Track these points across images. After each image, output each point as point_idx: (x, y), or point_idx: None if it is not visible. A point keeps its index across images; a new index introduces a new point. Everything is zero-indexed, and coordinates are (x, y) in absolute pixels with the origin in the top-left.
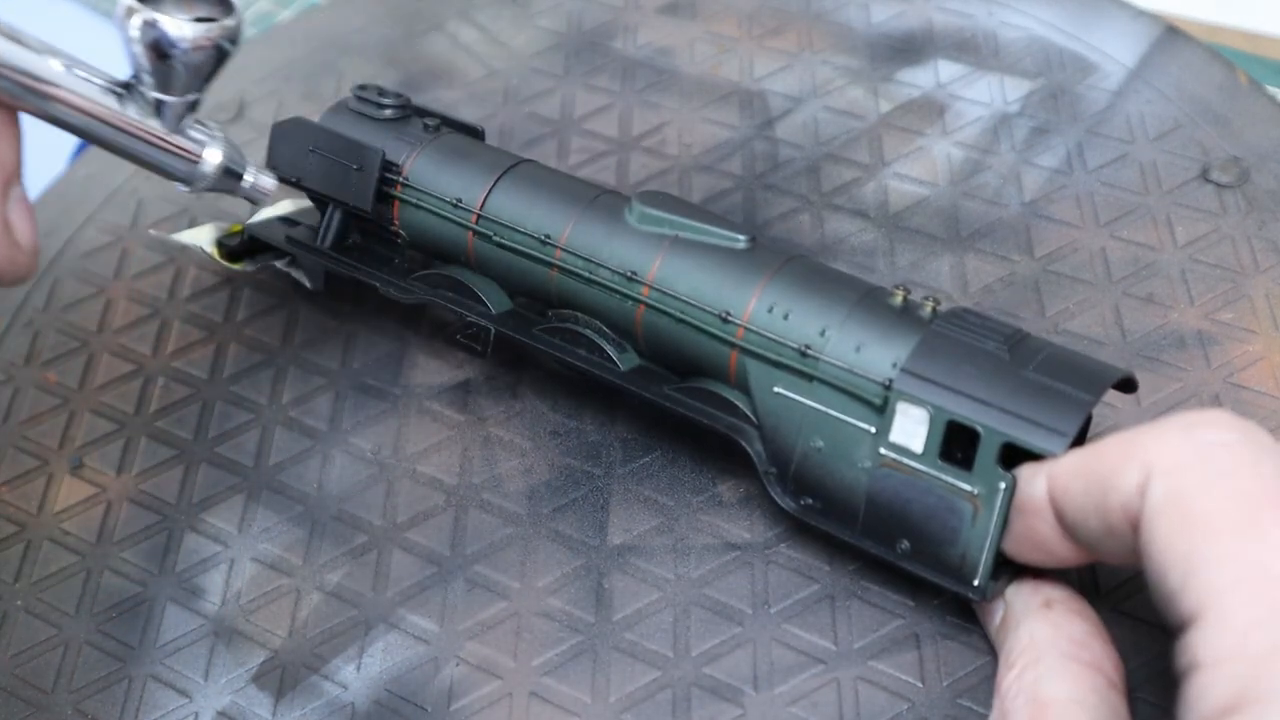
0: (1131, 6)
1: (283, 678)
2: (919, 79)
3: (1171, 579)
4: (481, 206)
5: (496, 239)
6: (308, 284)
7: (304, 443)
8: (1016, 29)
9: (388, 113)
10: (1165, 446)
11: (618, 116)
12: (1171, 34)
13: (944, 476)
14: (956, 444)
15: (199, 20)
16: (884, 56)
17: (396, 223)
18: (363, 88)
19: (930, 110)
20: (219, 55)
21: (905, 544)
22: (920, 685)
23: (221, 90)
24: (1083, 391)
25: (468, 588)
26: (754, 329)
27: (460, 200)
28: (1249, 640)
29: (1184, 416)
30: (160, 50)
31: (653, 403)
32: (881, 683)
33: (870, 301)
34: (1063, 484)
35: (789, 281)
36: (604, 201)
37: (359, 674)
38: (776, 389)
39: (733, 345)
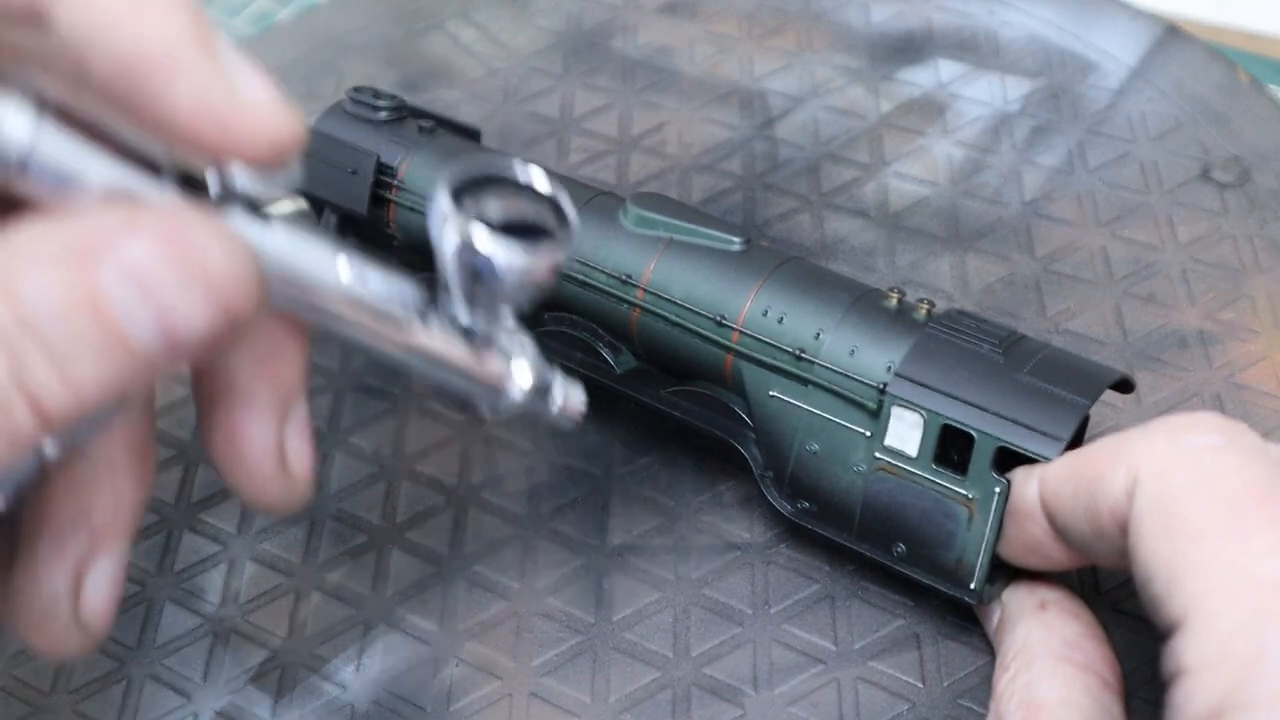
0: (1132, 5)
1: (282, 678)
2: (919, 78)
3: (1158, 584)
4: None
5: None
6: None
7: None
8: (1017, 28)
9: (383, 115)
10: (1152, 450)
11: (617, 116)
12: (1172, 33)
13: (939, 481)
14: (951, 448)
15: (526, 230)
16: (884, 56)
17: (392, 225)
18: (358, 90)
19: (930, 110)
20: (546, 287)
21: (902, 547)
22: (921, 685)
23: None
24: (1078, 395)
25: (467, 588)
26: (749, 333)
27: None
28: (1233, 646)
29: (1171, 420)
30: (478, 275)
31: (649, 406)
32: (882, 683)
33: (865, 304)
34: (1054, 488)
35: (784, 284)
36: (599, 204)
37: (358, 674)
38: (772, 392)
39: (728, 349)
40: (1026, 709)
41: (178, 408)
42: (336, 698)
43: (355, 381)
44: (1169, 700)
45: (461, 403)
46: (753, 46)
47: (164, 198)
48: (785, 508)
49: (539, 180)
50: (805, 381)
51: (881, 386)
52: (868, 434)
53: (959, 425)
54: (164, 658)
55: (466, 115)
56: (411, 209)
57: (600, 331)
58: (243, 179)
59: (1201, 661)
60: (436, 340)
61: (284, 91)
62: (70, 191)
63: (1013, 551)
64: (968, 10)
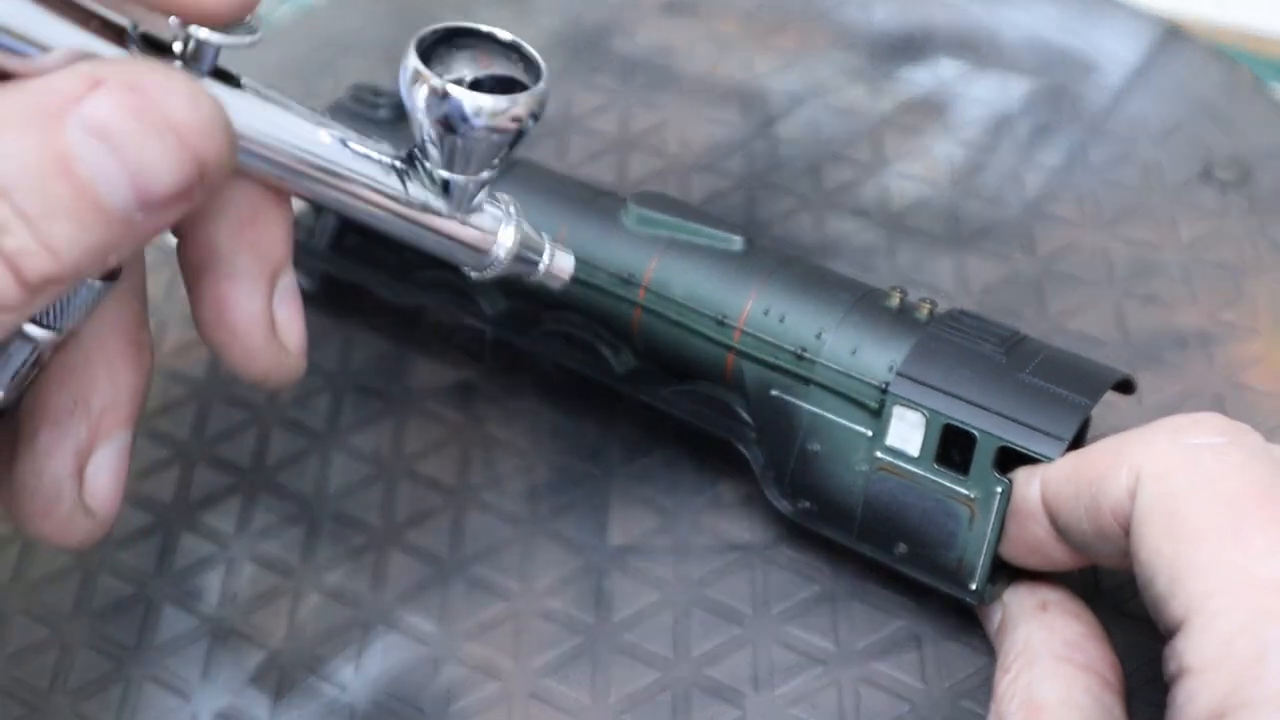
0: (1133, 5)
1: (281, 679)
2: (920, 77)
3: (1159, 583)
4: None
5: None
6: (304, 285)
7: (302, 443)
8: (1018, 27)
9: (383, 113)
10: (1153, 450)
11: (617, 116)
12: (1174, 33)
13: (940, 480)
14: (953, 448)
15: (498, 85)
16: (885, 55)
17: None
18: (358, 88)
19: (931, 109)
20: (520, 132)
21: (903, 547)
22: (921, 686)
23: None
24: (1080, 395)
25: (467, 588)
26: (750, 332)
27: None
28: (1234, 646)
29: (1172, 420)
30: (451, 125)
31: (649, 406)
32: (882, 684)
33: (866, 304)
34: (1055, 488)
35: (785, 284)
36: (600, 203)
37: (357, 675)
38: (773, 392)
39: (729, 348)
40: (1027, 709)
41: (175, 408)
42: (336, 699)
43: (355, 381)
44: (1170, 700)
45: (447, 260)
46: (753, 46)
47: (131, 58)
48: (786, 507)
49: (501, 33)
50: (807, 381)
51: (883, 386)
52: (869, 433)
53: (961, 425)
54: (163, 658)
55: None
56: None
57: (601, 331)
58: (207, 37)
59: (1203, 661)
60: (416, 199)
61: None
62: (33, 58)
63: (1014, 552)
64: (969, 9)
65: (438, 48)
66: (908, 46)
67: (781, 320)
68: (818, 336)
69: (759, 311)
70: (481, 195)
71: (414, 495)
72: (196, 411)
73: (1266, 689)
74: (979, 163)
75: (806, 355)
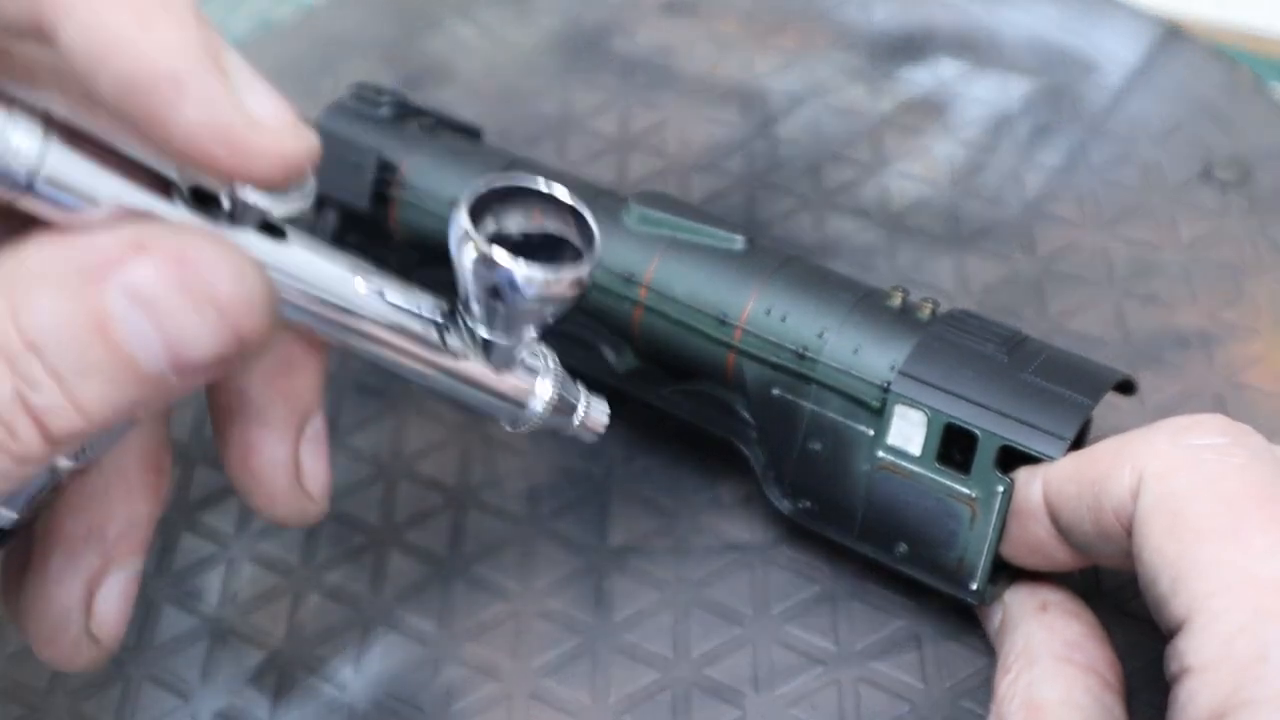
0: (1133, 5)
1: (280, 679)
2: (920, 77)
3: (1161, 583)
4: None
5: None
6: None
7: None
8: (1018, 27)
9: (384, 112)
10: (1156, 450)
11: (617, 115)
12: (1174, 32)
13: (942, 480)
14: (954, 447)
15: (546, 242)
16: (885, 55)
17: (393, 222)
18: (360, 86)
19: (931, 109)
20: (569, 303)
21: (903, 547)
22: (922, 686)
23: None
24: (1081, 395)
25: (467, 588)
26: (752, 331)
27: (456, 200)
28: (1235, 645)
29: (1175, 421)
30: (498, 293)
31: (650, 405)
32: (882, 684)
33: (868, 304)
34: (1057, 487)
35: (787, 283)
36: (601, 202)
37: (357, 675)
38: (774, 391)
39: (730, 347)
40: (1028, 710)
41: (175, 408)
42: (335, 699)
43: (355, 381)
44: (1172, 699)
45: (481, 413)
46: (753, 46)
47: (175, 216)
48: (786, 507)
49: (561, 192)
50: (808, 380)
51: (885, 385)
52: (870, 433)
53: (962, 424)
54: (162, 658)
55: (466, 114)
56: (413, 206)
57: (602, 330)
58: (256, 195)
59: (1204, 661)
60: (455, 356)
61: (286, 95)
62: (78, 210)
63: (1015, 552)
64: (969, 9)
65: (490, 200)
66: (908, 46)
67: (783, 320)
68: (819, 336)
69: (760, 311)
70: (523, 353)
71: (414, 495)
72: (196, 412)
73: (1268, 688)
74: (979, 163)
75: (808, 354)
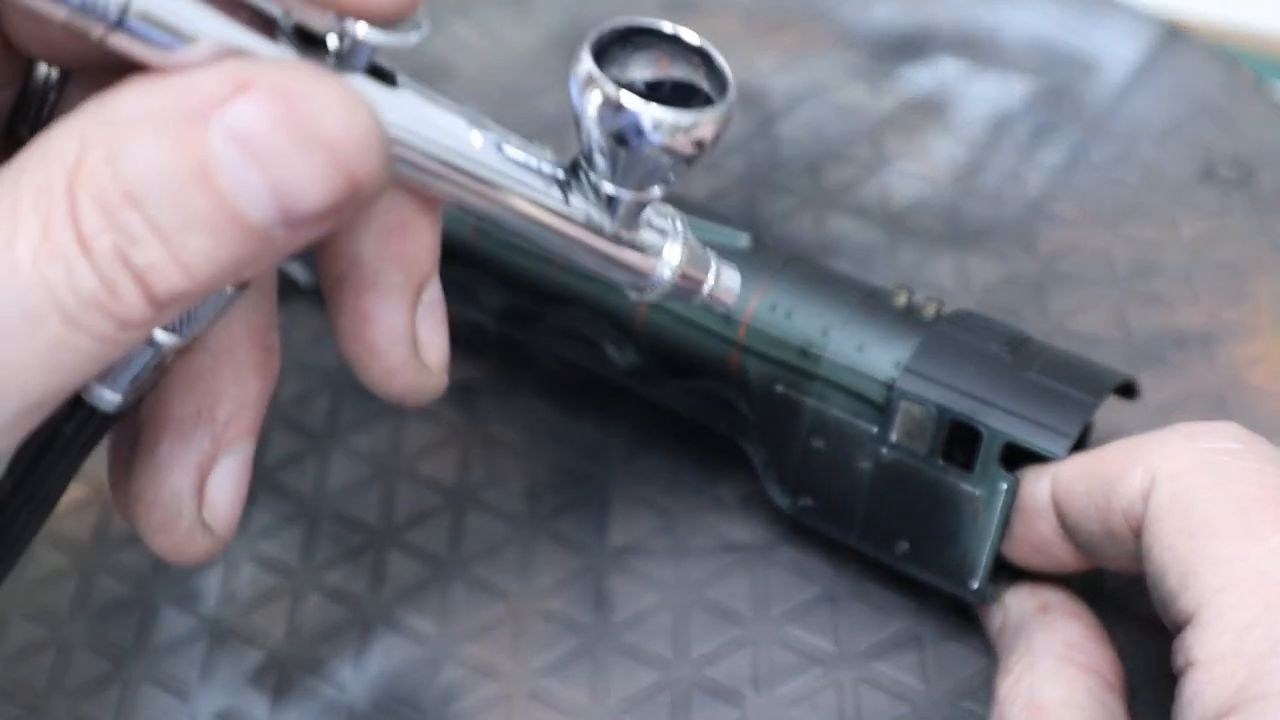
0: (1134, 4)
1: (279, 679)
2: (921, 76)
3: (1171, 580)
4: None
5: (498, 235)
6: (301, 281)
7: (302, 442)
8: (1019, 26)
9: None
10: (1169, 452)
11: None
12: (1175, 32)
13: (945, 477)
14: (958, 444)
15: (677, 91)
16: (885, 54)
17: None
18: None
19: (932, 108)
20: (700, 152)
21: (904, 546)
22: (922, 687)
23: None
24: (1086, 394)
25: (466, 589)
26: (756, 328)
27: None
28: (1246, 639)
29: (1188, 425)
30: (624, 139)
31: (652, 402)
32: (883, 684)
33: (873, 302)
34: (1066, 486)
35: (791, 281)
36: None
37: (357, 676)
38: (777, 388)
39: (734, 344)
40: (1029, 710)
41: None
42: (335, 699)
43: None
44: (1179, 693)
45: (605, 278)
46: (753, 44)
47: (279, 56)
48: (786, 504)
49: (688, 35)
50: (812, 377)
51: (890, 382)
52: (874, 430)
53: (967, 420)
54: (161, 659)
55: None
56: None
57: (604, 327)
58: (367, 35)
59: (1214, 655)
60: (578, 215)
61: None
62: (175, 51)
63: (1019, 551)
64: (970, 8)
65: (614, 46)
66: (908, 46)
67: (788, 317)
68: (824, 333)
69: (765, 308)
70: (650, 210)
71: (414, 495)
72: None
73: (1278, 683)
74: (980, 162)
75: (812, 351)
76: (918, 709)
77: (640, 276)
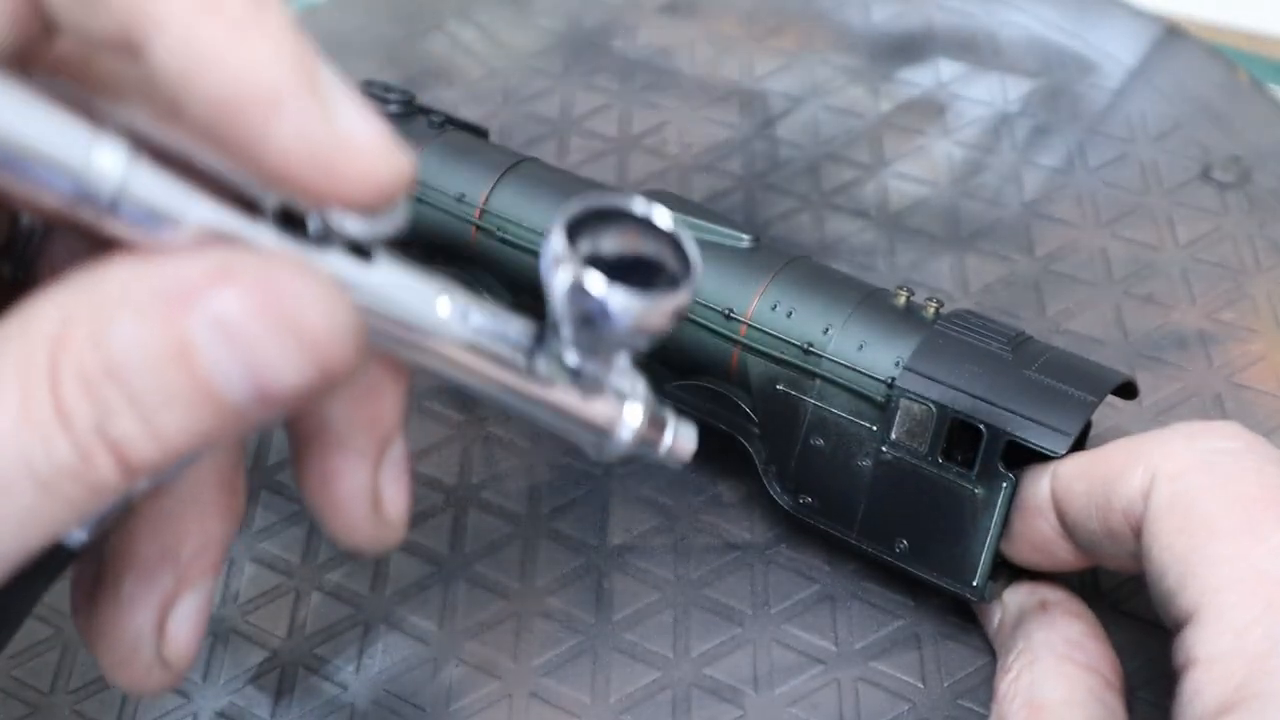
0: (1132, 5)
1: (281, 678)
2: (919, 78)
3: (1171, 578)
4: (485, 202)
5: (499, 234)
6: None
7: None
8: (1017, 28)
9: (392, 109)
10: (1170, 452)
11: (617, 116)
12: (1172, 33)
13: (945, 476)
14: (958, 443)
15: (640, 266)
16: (884, 55)
17: None
18: (369, 84)
19: (930, 109)
20: (664, 332)
21: (904, 543)
22: (921, 686)
23: None
24: (1086, 393)
25: (467, 588)
26: (757, 326)
27: (464, 196)
28: (1246, 638)
29: (1189, 425)
30: (590, 319)
31: None
32: (882, 683)
33: (874, 301)
34: (1066, 484)
35: (792, 280)
36: None
37: (358, 674)
38: (778, 387)
39: (735, 342)
40: (1030, 709)
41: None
42: (336, 698)
43: None
44: (1178, 692)
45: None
46: (753, 46)
47: (262, 239)
48: (787, 502)
49: (660, 217)
50: (813, 376)
51: (890, 380)
52: (874, 428)
53: (968, 419)
54: None
55: (467, 115)
56: (420, 200)
57: None
58: (345, 225)
59: (1214, 653)
60: (542, 382)
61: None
62: (163, 232)
63: (1018, 549)
64: (968, 10)
65: (585, 221)
66: (907, 47)
67: (789, 316)
68: (825, 332)
69: (766, 307)
70: (613, 372)
71: (415, 495)
72: None
73: (1278, 681)
74: (978, 163)
75: (813, 350)
76: (917, 708)
77: (601, 438)
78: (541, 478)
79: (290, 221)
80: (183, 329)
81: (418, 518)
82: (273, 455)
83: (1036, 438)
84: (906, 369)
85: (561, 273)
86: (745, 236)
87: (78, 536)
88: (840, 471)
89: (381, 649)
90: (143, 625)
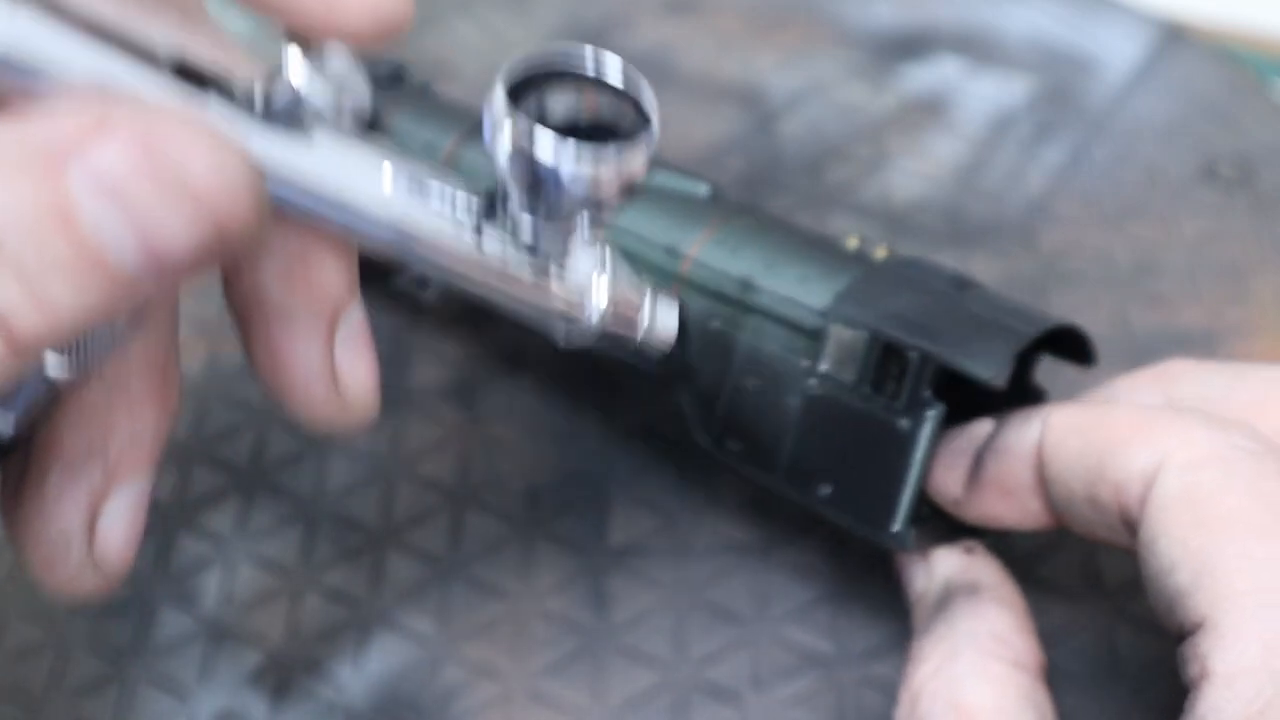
0: (1137, 4)
1: (279, 680)
2: (922, 75)
3: (1180, 576)
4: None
5: None
6: None
7: (301, 443)
8: (1020, 25)
9: (381, 70)
10: (1186, 439)
11: None
12: (1177, 31)
13: (870, 407)
14: (890, 374)
15: (598, 131)
16: (887, 52)
17: None
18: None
19: (933, 107)
20: (623, 196)
21: (826, 489)
22: None
23: None
24: (1024, 325)
25: (466, 589)
26: (701, 261)
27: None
28: (1271, 654)
29: (1206, 414)
30: (540, 187)
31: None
32: (882, 685)
33: (825, 243)
34: (1059, 436)
35: (745, 224)
36: None
37: (356, 676)
38: (713, 324)
39: (676, 278)
40: (956, 713)
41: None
42: (333, 700)
43: None
44: (1190, 706)
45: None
46: (754, 43)
47: (152, 92)
48: (709, 444)
49: (612, 72)
50: (749, 311)
51: (825, 310)
52: (806, 363)
53: (898, 343)
54: (160, 660)
55: None
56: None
57: None
58: (291, 77)
59: (1237, 668)
60: (495, 259)
61: None
62: (43, 86)
63: (983, 497)
64: (971, 7)
65: (531, 82)
66: (910, 44)
67: (733, 252)
68: (767, 267)
69: (712, 244)
70: (572, 245)
71: (413, 495)
72: (194, 411)
73: None
74: (981, 161)
75: (753, 282)
76: None
77: (569, 320)
78: (541, 478)
79: (192, 78)
80: (60, 188)
81: (416, 518)
82: (270, 455)
83: (967, 363)
84: (840, 295)
85: (504, 135)
86: (703, 185)
87: (1, 429)
88: (769, 411)
89: (379, 651)
90: (70, 522)
